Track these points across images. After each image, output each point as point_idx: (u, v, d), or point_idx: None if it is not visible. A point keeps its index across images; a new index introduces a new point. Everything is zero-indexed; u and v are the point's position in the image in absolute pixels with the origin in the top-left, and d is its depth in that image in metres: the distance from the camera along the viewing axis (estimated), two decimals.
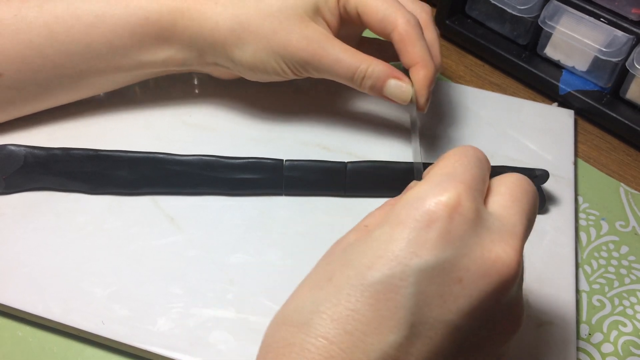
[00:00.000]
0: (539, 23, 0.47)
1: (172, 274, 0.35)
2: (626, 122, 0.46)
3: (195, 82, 0.46)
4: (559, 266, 0.37)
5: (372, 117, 0.44)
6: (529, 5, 0.47)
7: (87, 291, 0.34)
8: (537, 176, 0.40)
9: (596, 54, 0.45)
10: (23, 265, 0.34)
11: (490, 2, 0.49)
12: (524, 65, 0.50)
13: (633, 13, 0.43)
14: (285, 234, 0.37)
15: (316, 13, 0.37)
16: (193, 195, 0.39)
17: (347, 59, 0.36)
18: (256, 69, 0.38)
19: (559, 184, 0.42)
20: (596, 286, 0.38)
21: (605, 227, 0.41)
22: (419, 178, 0.29)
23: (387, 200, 0.28)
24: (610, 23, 0.44)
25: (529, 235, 0.25)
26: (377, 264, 0.23)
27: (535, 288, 0.36)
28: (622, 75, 0.45)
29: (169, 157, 0.39)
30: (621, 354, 0.35)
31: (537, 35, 0.49)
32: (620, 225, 0.41)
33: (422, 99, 0.37)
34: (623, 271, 0.39)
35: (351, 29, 0.41)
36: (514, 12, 0.48)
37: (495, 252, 0.23)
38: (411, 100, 0.37)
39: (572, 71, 0.49)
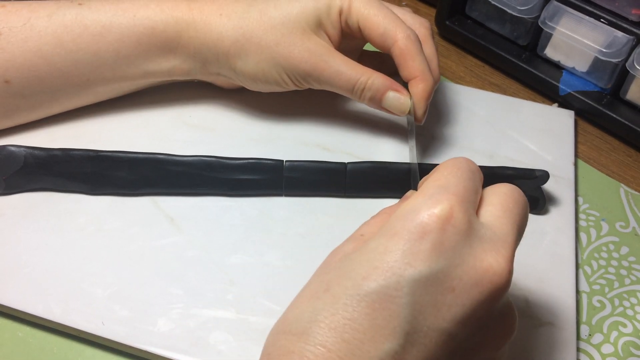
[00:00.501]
0: (539, 24, 0.47)
1: (172, 274, 0.35)
2: (626, 122, 0.46)
3: (196, 83, 0.46)
4: (559, 267, 0.37)
5: (372, 118, 0.44)
6: (529, 6, 0.47)
7: (87, 292, 0.34)
8: (537, 177, 0.40)
9: (596, 55, 0.45)
10: (23, 265, 0.34)
11: (490, 2, 0.49)
12: (524, 66, 0.50)
13: (633, 14, 0.43)
14: (285, 235, 0.37)
15: (318, 26, 0.38)
16: (193, 195, 0.39)
17: (347, 72, 0.37)
18: (258, 79, 0.39)
19: (559, 185, 0.42)
20: (596, 287, 0.38)
21: (605, 227, 0.41)
22: (415, 187, 0.30)
23: (383, 209, 0.29)
24: (610, 24, 0.44)
25: (519, 244, 0.26)
26: (372, 274, 0.23)
27: (535, 289, 0.36)
28: (622, 76, 0.45)
29: (169, 157, 0.39)
30: (621, 354, 0.35)
31: (537, 36, 0.49)
32: (621, 226, 0.41)
33: (420, 112, 0.38)
34: (623, 272, 0.39)
35: (352, 43, 0.42)
36: (514, 13, 0.48)
37: (487, 261, 0.24)
38: (409, 112, 0.38)
39: (572, 72, 0.49)
